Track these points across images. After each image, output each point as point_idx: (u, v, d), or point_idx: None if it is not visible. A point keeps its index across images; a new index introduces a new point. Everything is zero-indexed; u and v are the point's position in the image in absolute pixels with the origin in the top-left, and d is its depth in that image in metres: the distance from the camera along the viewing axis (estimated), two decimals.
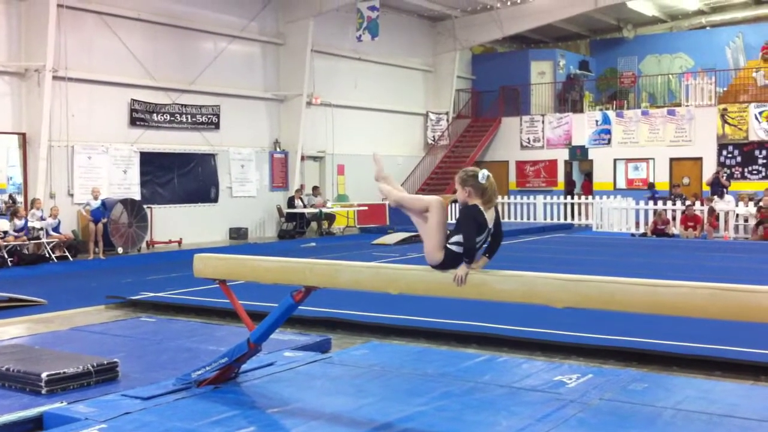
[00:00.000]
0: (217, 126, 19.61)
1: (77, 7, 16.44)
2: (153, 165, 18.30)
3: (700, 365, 6.35)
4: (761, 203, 19.06)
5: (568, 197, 24.13)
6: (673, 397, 5.24)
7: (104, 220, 15.83)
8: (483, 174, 4.35)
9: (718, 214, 19.37)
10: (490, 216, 4.42)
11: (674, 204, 20.51)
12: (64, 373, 5.50)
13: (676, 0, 26.97)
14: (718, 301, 3.76)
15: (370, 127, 23.97)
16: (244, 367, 5.69)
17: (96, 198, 15.86)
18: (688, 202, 20.08)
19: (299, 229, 20.89)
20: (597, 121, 24.94)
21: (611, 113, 24.96)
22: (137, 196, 17.58)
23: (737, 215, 19.47)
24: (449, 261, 4.41)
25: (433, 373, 5.90)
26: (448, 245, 4.42)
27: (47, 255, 14.93)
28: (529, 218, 23.86)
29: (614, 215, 21.42)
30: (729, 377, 6.10)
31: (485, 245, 4.50)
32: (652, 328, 7.15)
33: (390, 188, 4.90)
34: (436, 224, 4.49)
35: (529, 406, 5.04)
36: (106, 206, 16.10)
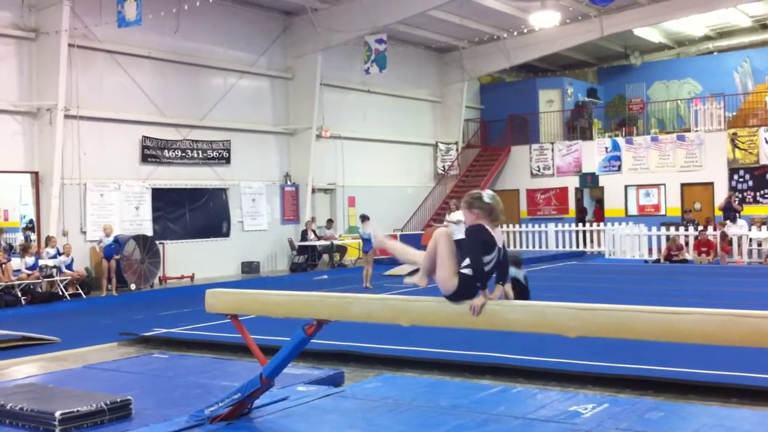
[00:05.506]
0: (227, 161, 19.71)
1: (88, 46, 16.64)
2: (165, 201, 18.40)
3: (716, 392, 6.29)
4: None
5: (580, 224, 24.09)
6: (690, 426, 5.19)
7: (117, 257, 15.88)
8: (488, 194, 4.46)
9: (731, 239, 19.28)
10: (497, 235, 4.45)
11: (687, 229, 20.44)
12: (78, 411, 5.49)
13: (682, 26, 27.04)
14: (732, 327, 3.73)
15: (380, 159, 24.06)
16: (257, 402, 5.67)
17: (108, 235, 15.92)
18: (700, 228, 20.00)
19: (311, 262, 20.89)
20: (607, 148, 24.94)
21: (621, 140, 24.97)
22: (149, 232, 17.64)
23: (750, 240, 19.37)
24: (464, 286, 4.39)
25: (446, 406, 5.86)
26: (460, 271, 4.41)
27: (60, 293, 14.98)
28: (540, 246, 23.79)
29: (626, 242, 21.34)
30: (745, 404, 6.03)
31: (498, 270, 4.46)
32: (667, 355, 7.09)
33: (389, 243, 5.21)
34: (446, 253, 4.48)
35: None
36: (119, 243, 16.15)
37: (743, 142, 22.79)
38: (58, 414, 5.39)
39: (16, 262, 14.92)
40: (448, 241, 4.51)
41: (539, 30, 23.84)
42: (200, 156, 19.12)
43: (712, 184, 23.21)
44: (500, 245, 4.45)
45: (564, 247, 23.45)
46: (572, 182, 25.47)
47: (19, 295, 14.38)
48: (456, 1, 20.37)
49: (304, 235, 20.96)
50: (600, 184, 25.11)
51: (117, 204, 17.30)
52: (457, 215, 18.33)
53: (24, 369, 8.45)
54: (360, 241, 18.94)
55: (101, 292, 15.66)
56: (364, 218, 16.83)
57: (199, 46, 19.18)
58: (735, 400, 6.14)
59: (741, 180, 22.81)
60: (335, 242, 21.24)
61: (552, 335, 4.34)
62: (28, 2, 15.95)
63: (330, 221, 21.88)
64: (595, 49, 28.08)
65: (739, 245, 19.25)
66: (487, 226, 4.41)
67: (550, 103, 27.82)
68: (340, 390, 6.53)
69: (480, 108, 28.66)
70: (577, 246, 23.44)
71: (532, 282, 15.60)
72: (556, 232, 23.81)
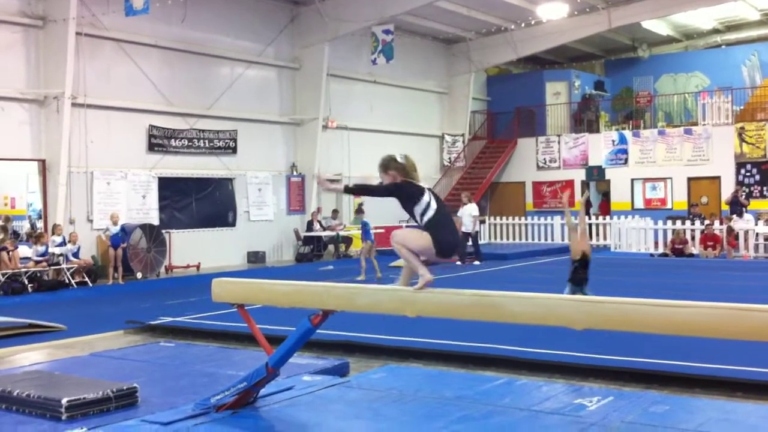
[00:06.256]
0: (234, 150, 19.72)
1: (95, 34, 16.64)
2: (171, 190, 18.42)
3: (721, 386, 6.29)
4: None
5: (586, 217, 24.00)
6: (695, 420, 5.18)
7: (123, 245, 15.92)
8: (400, 155, 4.89)
9: (738, 233, 19.23)
10: (422, 184, 4.84)
11: (693, 223, 20.39)
12: (84, 398, 5.51)
13: (691, 19, 26.93)
14: (738, 321, 3.73)
15: (386, 150, 23.67)
16: (263, 391, 5.69)
17: (115, 224, 15.95)
18: (707, 222, 19.96)
19: (317, 252, 20.91)
20: (613, 141, 24.88)
21: (628, 133, 24.90)
22: (156, 221, 17.68)
23: (757, 234, 19.32)
24: (435, 230, 4.65)
25: (450, 397, 5.87)
26: (424, 225, 4.70)
27: (67, 281, 15.02)
28: (546, 239, 23.76)
29: (632, 235, 21.30)
30: (751, 398, 6.03)
31: (432, 214, 4.70)
32: (672, 349, 7.09)
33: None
34: (409, 233, 4.79)
35: (549, 430, 5.01)
36: (126, 231, 16.19)
37: (751, 137, 22.71)
38: (64, 401, 5.42)
39: (26, 250, 14.98)
40: (403, 230, 4.84)
41: (547, 22, 23.76)
42: (207, 145, 19.13)
43: (718, 178, 23.14)
44: (427, 187, 4.84)
45: (570, 239, 23.33)
46: (578, 175, 25.40)
47: (26, 282, 14.43)
48: None
49: (309, 226, 20.98)
50: (606, 178, 25.05)
51: (124, 193, 17.33)
52: (470, 209, 18.49)
53: (31, 356, 8.50)
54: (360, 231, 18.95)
55: (107, 280, 15.70)
56: (359, 210, 16.91)
57: (206, 36, 19.16)
58: (740, 393, 6.14)
59: (748, 174, 22.73)
60: (341, 233, 21.25)
61: (557, 327, 4.34)
62: None
63: (335, 212, 21.89)
64: (602, 41, 27.97)
65: (746, 240, 19.21)
66: (407, 179, 4.84)
67: (557, 96, 27.75)
68: (345, 380, 6.54)
69: (487, 100, 28.60)
70: None
71: (538, 275, 15.62)
72: (562, 225, 23.74)
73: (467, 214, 18.21)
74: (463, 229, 17.92)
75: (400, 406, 5.65)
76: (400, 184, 4.83)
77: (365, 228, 15.60)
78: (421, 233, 4.69)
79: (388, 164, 4.88)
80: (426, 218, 4.70)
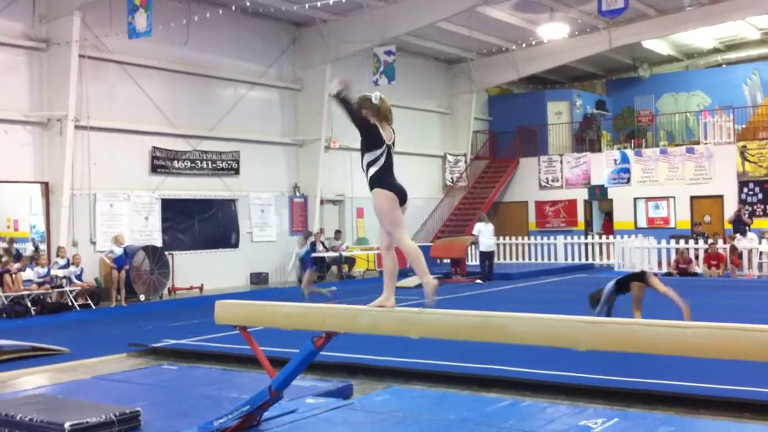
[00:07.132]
0: (236, 171, 19.75)
1: (98, 57, 16.73)
2: (174, 211, 18.43)
3: (727, 407, 6.24)
4: None
5: (589, 237, 24.00)
6: None
7: (126, 267, 15.91)
8: (376, 96, 4.90)
9: (741, 252, 19.19)
10: (387, 135, 4.92)
11: (696, 242, 20.36)
12: (87, 422, 5.48)
13: (691, 39, 27.02)
14: (743, 341, 3.71)
15: None
16: (266, 414, 5.66)
17: (120, 245, 15.93)
18: (710, 241, 19.92)
19: (319, 274, 20.85)
20: (615, 161, 24.90)
21: (630, 152, 24.93)
22: (158, 243, 17.67)
23: (761, 253, 19.27)
24: (383, 184, 4.91)
25: (454, 419, 5.84)
26: (369, 180, 4.92)
27: (70, 303, 15.01)
28: (549, 259, 23.70)
29: (636, 255, 21.25)
30: (757, 419, 5.98)
31: (376, 169, 4.89)
32: (677, 369, 7.05)
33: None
34: (386, 218, 4.99)
35: None
36: (127, 253, 16.18)
37: (753, 155, 22.72)
38: (67, 425, 5.39)
39: (28, 273, 14.97)
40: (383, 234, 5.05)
41: (548, 42, 23.86)
42: (209, 167, 19.17)
43: (721, 197, 23.12)
44: (389, 143, 4.93)
45: (573, 259, 23.35)
46: (581, 194, 25.42)
47: (29, 305, 14.42)
48: (465, 13, 20.43)
49: (312, 247, 20.93)
50: (609, 197, 25.05)
51: (126, 214, 17.34)
52: (478, 227, 18.83)
53: (33, 380, 8.47)
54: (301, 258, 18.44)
55: (110, 302, 15.67)
56: (308, 234, 16.79)
57: (208, 58, 19.25)
58: (747, 415, 6.10)
59: (751, 193, 22.72)
60: (343, 253, 21.22)
61: (561, 348, 4.32)
62: (39, 13, 16.05)
63: (338, 232, 21.87)
64: (603, 61, 28.06)
65: (749, 258, 19.16)
66: (378, 124, 4.88)
67: (559, 115, 27.81)
68: (348, 402, 6.51)
69: (488, 120, 28.66)
70: (586, 258, 23.33)
71: (542, 295, 15.58)
72: (565, 244, 23.71)
73: (478, 231, 18.85)
74: (481, 248, 18.67)
75: (404, 428, 5.62)
76: (368, 123, 4.88)
77: (308, 255, 15.42)
78: (384, 200, 4.89)
79: (362, 103, 4.91)
80: (372, 171, 4.88)
